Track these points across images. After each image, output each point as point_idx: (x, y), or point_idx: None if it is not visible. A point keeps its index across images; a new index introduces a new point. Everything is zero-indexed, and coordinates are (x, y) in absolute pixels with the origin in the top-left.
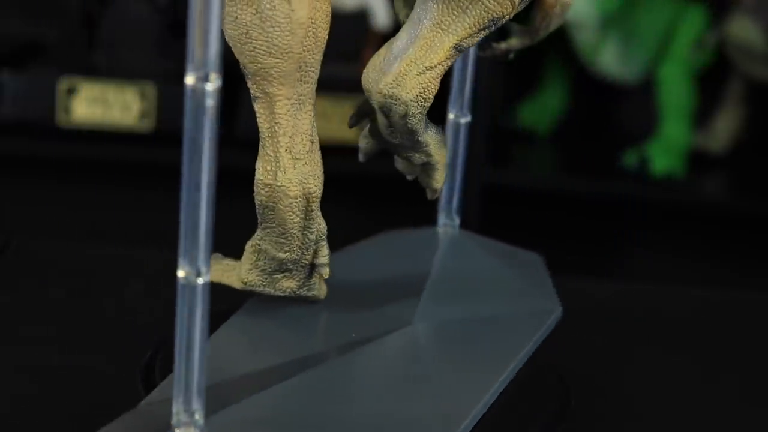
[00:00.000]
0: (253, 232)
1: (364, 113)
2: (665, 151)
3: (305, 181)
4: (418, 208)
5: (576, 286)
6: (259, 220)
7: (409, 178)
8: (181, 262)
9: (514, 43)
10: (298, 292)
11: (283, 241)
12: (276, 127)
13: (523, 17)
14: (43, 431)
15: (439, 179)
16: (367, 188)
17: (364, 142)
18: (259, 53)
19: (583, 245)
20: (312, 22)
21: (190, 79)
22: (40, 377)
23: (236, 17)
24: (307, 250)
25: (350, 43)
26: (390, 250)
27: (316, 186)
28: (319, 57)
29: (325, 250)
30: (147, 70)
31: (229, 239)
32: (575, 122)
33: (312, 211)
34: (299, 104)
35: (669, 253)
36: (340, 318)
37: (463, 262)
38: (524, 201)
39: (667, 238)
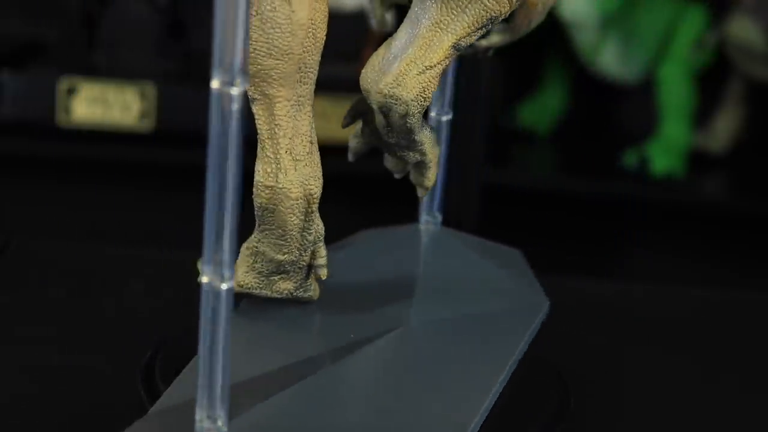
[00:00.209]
0: (251, 231)
1: (359, 113)
2: (665, 151)
3: (306, 183)
4: (395, 205)
5: (576, 286)
6: (257, 222)
7: (397, 176)
8: (205, 267)
9: (495, 40)
10: (295, 294)
11: (282, 243)
12: (276, 129)
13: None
14: (43, 431)
15: (432, 177)
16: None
17: (354, 142)
18: (259, 55)
19: (583, 245)
20: (312, 23)
21: (215, 84)
22: (40, 377)
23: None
24: (305, 251)
25: (350, 43)
26: (375, 248)
27: (317, 187)
28: (318, 58)
29: (322, 251)
30: (147, 70)
31: None
32: (575, 122)
33: (312, 212)
34: (299, 105)
35: (669, 253)
36: (335, 319)
37: (449, 260)
38: (524, 201)
39: (667, 238)
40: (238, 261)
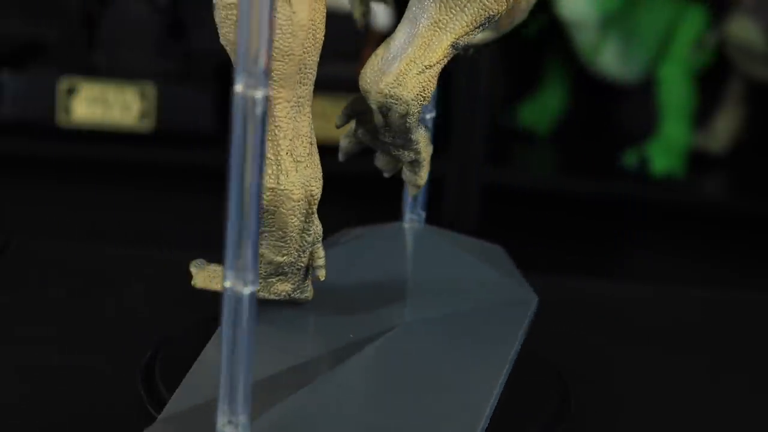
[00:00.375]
0: None
1: (354, 113)
2: (665, 151)
3: (307, 184)
4: (375, 203)
5: (576, 286)
6: None
7: (386, 175)
8: (228, 272)
9: (477, 39)
10: (292, 296)
11: (282, 244)
12: (276, 131)
13: None
14: (43, 431)
15: (424, 176)
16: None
17: (345, 142)
18: None
19: (583, 245)
20: (312, 24)
21: (239, 87)
22: (40, 377)
23: (236, 20)
24: (304, 252)
25: (350, 43)
26: (362, 246)
27: (318, 188)
28: (317, 58)
29: (321, 252)
30: (147, 70)
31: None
32: (575, 122)
33: (312, 213)
34: (299, 106)
35: (669, 253)
36: (331, 320)
37: (436, 257)
38: (524, 201)
39: (667, 238)
40: None
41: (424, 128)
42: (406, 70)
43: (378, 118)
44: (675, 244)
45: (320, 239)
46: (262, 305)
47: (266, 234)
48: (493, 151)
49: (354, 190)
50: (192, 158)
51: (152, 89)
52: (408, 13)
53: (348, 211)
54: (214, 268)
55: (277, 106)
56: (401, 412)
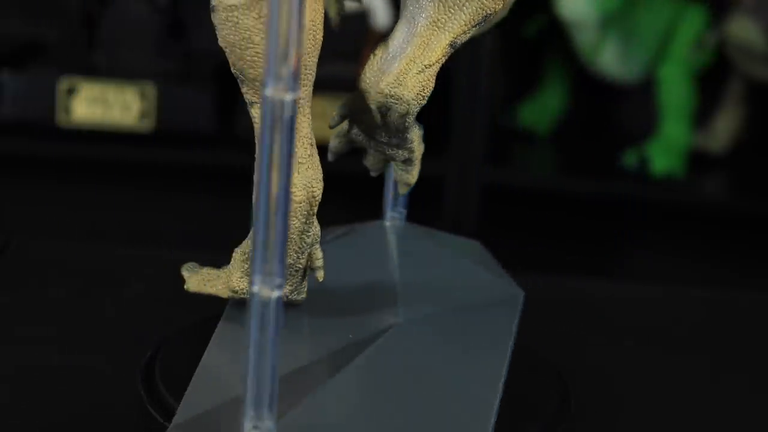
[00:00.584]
0: (242, 232)
1: (350, 113)
2: (665, 151)
3: (309, 185)
4: (350, 202)
5: (576, 286)
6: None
7: (373, 174)
8: (255, 276)
9: None
10: (290, 297)
11: None
12: None
13: None
14: (42, 431)
15: (416, 174)
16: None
17: (335, 142)
18: (260, 58)
19: (583, 245)
20: (313, 25)
21: (269, 91)
22: (40, 377)
23: (237, 22)
24: (302, 254)
25: (350, 43)
26: (346, 245)
27: (319, 189)
28: (316, 59)
29: (319, 254)
30: (147, 70)
31: (228, 238)
32: (575, 122)
33: (312, 215)
34: (299, 108)
35: (669, 253)
36: (326, 321)
37: (420, 254)
38: (524, 201)
39: (667, 238)
40: (231, 266)
41: (418, 127)
42: (406, 69)
43: (376, 118)
44: (675, 244)
45: (318, 240)
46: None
47: None
48: (493, 151)
49: (334, 188)
50: (192, 158)
51: (152, 89)
52: (405, 13)
53: (326, 207)
54: (208, 272)
55: None
56: (412, 415)
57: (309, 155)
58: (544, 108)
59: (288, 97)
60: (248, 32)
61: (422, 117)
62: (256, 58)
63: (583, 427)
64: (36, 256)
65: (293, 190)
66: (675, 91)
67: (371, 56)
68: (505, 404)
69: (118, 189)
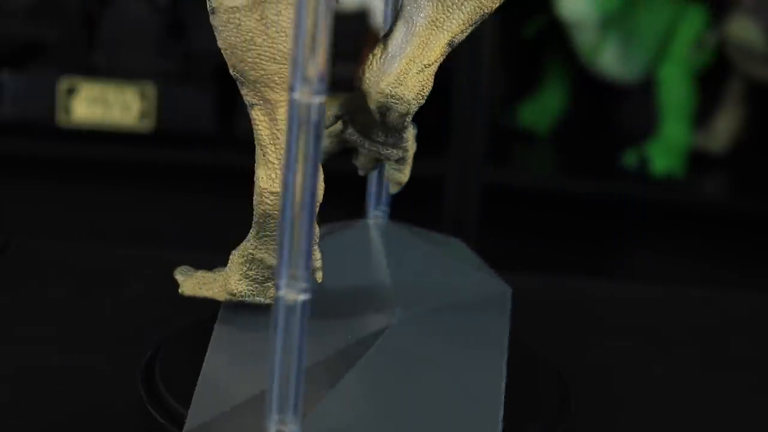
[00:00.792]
0: (237, 232)
1: (344, 113)
2: (665, 151)
3: None
4: (333, 200)
5: (576, 286)
6: (255, 229)
7: (361, 173)
8: (281, 280)
9: None
10: None
11: None
12: (278, 134)
13: None
14: (42, 431)
15: (408, 173)
16: None
17: (327, 142)
18: (262, 60)
19: (583, 245)
20: None
21: (297, 94)
22: (40, 377)
23: (239, 24)
24: None
25: (350, 43)
26: (333, 244)
27: (320, 191)
28: None
29: (317, 255)
30: (147, 70)
31: (228, 238)
32: (575, 122)
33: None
34: None
35: (669, 253)
36: (322, 322)
37: (406, 253)
38: (524, 201)
39: (667, 238)
40: (228, 269)
41: (412, 126)
42: (406, 69)
43: (376, 118)
44: (675, 244)
45: (317, 241)
46: (247, 311)
47: (266, 238)
48: (493, 151)
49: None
50: (192, 158)
51: (152, 89)
52: (402, 12)
53: None
54: (203, 275)
55: (279, 110)
56: (425, 417)
57: None
58: (544, 108)
59: (315, 100)
60: (250, 34)
61: (422, 117)
62: (258, 60)
63: (583, 427)
64: (36, 256)
65: None
66: (675, 92)
67: (370, 57)
68: (505, 404)
69: (118, 189)
